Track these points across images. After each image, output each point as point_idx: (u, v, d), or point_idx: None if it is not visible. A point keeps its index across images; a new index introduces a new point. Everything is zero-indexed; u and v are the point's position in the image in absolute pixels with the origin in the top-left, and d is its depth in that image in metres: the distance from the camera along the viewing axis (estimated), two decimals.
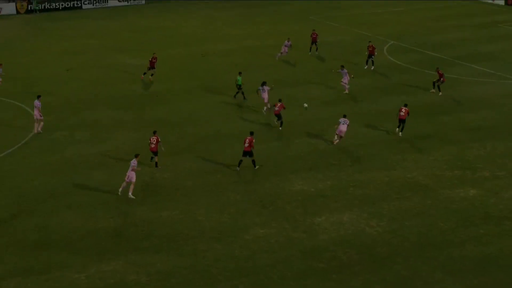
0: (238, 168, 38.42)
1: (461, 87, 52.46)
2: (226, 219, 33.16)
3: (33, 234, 31.56)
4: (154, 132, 39.20)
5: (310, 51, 61.54)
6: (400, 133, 43.50)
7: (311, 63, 59.19)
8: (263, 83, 47.43)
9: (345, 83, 50.83)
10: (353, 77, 51.32)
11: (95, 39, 68.52)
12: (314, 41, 61.77)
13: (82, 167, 38.75)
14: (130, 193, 35.12)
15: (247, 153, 38.18)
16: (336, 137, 42.04)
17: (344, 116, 42.13)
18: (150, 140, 38.75)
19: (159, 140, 38.73)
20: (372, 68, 56.37)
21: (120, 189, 35.33)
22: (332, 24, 74.62)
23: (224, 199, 35.14)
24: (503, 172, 38.31)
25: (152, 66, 53.98)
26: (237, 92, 50.24)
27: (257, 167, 38.54)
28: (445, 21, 76.02)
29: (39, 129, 43.68)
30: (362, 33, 69.85)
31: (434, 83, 51.12)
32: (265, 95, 47.02)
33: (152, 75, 54.02)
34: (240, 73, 50.67)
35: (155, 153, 38.76)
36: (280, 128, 44.30)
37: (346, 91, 50.73)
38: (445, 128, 44.88)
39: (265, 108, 47.23)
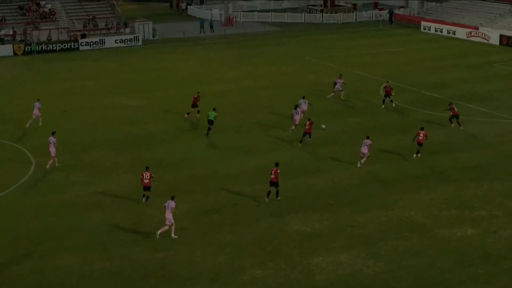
0: (267, 199, 39.34)
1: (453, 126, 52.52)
2: (222, 259, 33.01)
3: (30, 277, 31.37)
4: (147, 168, 39.39)
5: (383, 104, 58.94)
6: (416, 155, 45.88)
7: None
8: (296, 106, 51.70)
9: (302, 112, 52.28)
10: (312, 109, 52.99)
11: (92, 80, 68.78)
12: (388, 94, 57.91)
13: (78, 208, 38.65)
14: (172, 235, 34.95)
15: (274, 184, 39.17)
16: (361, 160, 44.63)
17: (367, 138, 44.56)
18: (143, 175, 38.90)
19: (152, 175, 38.91)
20: (393, 105, 55.92)
21: (159, 232, 34.94)
22: (328, 64, 74.98)
23: (220, 239, 35.00)
24: (500, 211, 38.25)
25: (194, 104, 54.22)
26: (209, 129, 50.68)
27: (279, 198, 39.49)
28: (441, 61, 76.47)
29: (48, 167, 43.88)
30: (359, 74, 70.18)
31: (450, 119, 52.27)
32: (297, 117, 50.79)
33: (198, 112, 54.06)
34: (214, 109, 51.20)
35: (148, 188, 39.00)
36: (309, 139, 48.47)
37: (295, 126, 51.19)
38: (442, 167, 44.90)
39: (293, 127, 51.04)
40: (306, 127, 48.54)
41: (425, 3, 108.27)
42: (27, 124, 50.77)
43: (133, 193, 40.07)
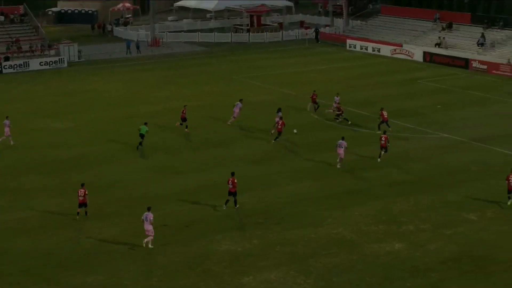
0: (225, 207, 40.96)
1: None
2: (153, 282, 32.80)
3: None
4: (82, 185, 39.81)
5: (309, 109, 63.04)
6: (379, 159, 48.91)
7: (242, 121, 59.34)
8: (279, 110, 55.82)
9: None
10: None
11: (17, 103, 67.71)
12: (314, 102, 62.53)
13: (4, 234, 37.95)
14: (150, 245, 36.02)
15: (232, 193, 40.78)
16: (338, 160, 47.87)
17: (342, 139, 47.95)
18: (78, 193, 39.06)
19: (87, 192, 39.39)
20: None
21: (145, 241, 36.08)
22: (256, 83, 75.34)
23: (151, 262, 34.80)
24: (427, 225, 38.88)
25: (183, 118, 56.19)
26: (140, 143, 51.78)
27: (237, 206, 41.03)
28: (367, 78, 77.46)
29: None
30: (286, 92, 70.69)
31: (378, 125, 54.90)
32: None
33: (186, 127, 56.08)
34: (145, 123, 52.19)
35: (84, 204, 39.43)
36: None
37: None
38: (370, 183, 45.47)
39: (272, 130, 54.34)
40: (278, 127, 52.78)
41: (350, 21, 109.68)
42: None
43: (61, 217, 39.55)
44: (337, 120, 58.81)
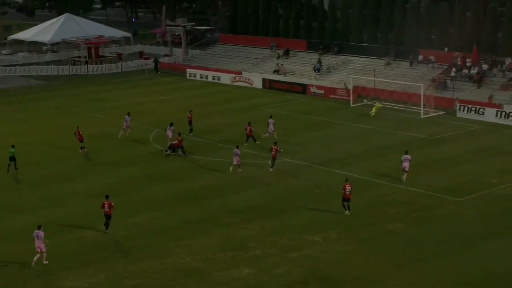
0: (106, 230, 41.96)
1: (226, 170, 53.37)
2: None
3: None
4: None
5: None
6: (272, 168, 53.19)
7: (78, 156, 58.16)
8: (171, 124, 59.91)
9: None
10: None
11: None
12: (190, 122, 64.43)
13: None
14: (44, 261, 37.49)
15: (108, 216, 41.70)
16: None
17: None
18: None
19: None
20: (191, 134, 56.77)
21: (35, 259, 37.17)
22: (96, 116, 74.16)
23: None
24: (273, 249, 39.16)
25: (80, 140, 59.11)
26: (9, 165, 53.82)
27: (108, 231, 41.84)
28: (209, 107, 77.68)
29: None
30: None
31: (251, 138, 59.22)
32: (169, 133, 59.17)
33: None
34: (12, 146, 54.31)
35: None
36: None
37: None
38: (215, 211, 45.44)
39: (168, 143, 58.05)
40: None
41: (189, 50, 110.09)
42: None
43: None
44: (173, 153, 58.23)
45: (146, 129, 66.38)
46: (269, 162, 53.64)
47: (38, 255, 37.23)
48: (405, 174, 50.00)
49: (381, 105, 71.66)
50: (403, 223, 42.78)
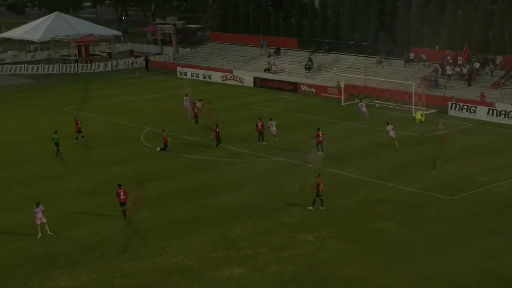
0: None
1: (219, 169, 53.37)
2: None
3: None
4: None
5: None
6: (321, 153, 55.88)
7: (72, 155, 57.96)
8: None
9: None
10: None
11: None
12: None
13: None
14: (48, 231, 40.88)
15: (123, 204, 43.10)
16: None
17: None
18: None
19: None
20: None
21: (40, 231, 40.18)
22: (87, 114, 73.88)
23: None
24: (265, 248, 39.09)
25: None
26: (57, 150, 57.30)
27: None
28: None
29: None
30: (118, 122, 69.79)
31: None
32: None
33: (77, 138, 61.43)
34: (55, 132, 58.10)
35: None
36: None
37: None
38: (207, 210, 45.35)
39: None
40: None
41: (180, 49, 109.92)
42: None
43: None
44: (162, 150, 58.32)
45: (137, 128, 66.19)
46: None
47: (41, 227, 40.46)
48: (395, 141, 57.06)
49: (422, 113, 69.22)
50: (395, 221, 42.79)
